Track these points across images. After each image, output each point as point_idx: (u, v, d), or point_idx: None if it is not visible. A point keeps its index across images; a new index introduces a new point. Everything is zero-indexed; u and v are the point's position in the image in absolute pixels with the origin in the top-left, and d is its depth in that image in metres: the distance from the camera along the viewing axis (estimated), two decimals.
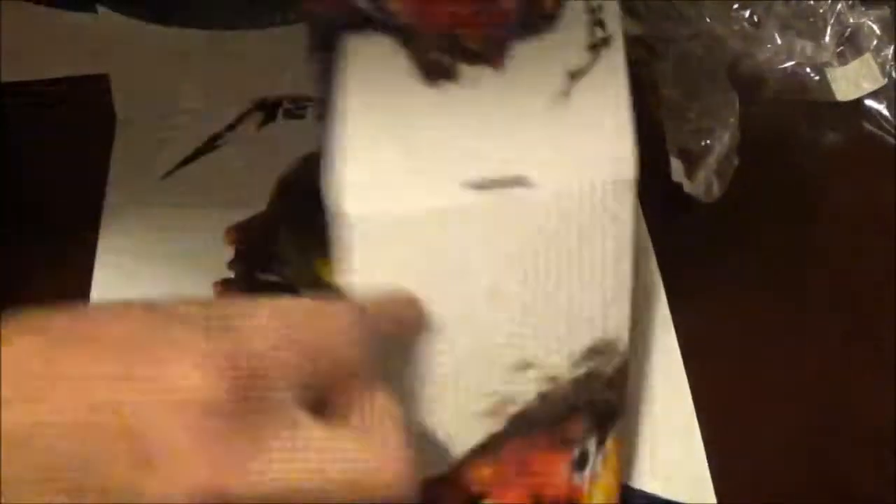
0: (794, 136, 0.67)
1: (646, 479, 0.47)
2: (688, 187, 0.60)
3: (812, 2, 0.68)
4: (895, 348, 0.54)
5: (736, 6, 0.67)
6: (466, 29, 0.38)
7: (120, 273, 0.52)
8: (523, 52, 0.38)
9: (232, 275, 0.53)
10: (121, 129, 0.58)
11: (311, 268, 0.54)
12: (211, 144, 0.59)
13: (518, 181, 0.39)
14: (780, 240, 0.59)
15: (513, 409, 0.40)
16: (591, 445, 0.42)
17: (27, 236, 0.51)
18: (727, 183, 0.60)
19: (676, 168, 0.60)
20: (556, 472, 0.41)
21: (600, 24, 0.40)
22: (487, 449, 0.40)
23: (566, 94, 0.40)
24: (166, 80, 0.62)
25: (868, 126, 0.68)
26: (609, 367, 0.42)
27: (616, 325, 0.42)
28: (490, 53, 0.38)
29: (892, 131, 0.67)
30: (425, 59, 0.37)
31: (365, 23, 0.36)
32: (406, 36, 0.37)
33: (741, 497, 0.48)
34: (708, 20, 0.66)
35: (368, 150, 0.38)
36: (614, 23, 0.40)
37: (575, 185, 0.40)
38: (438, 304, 0.38)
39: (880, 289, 0.58)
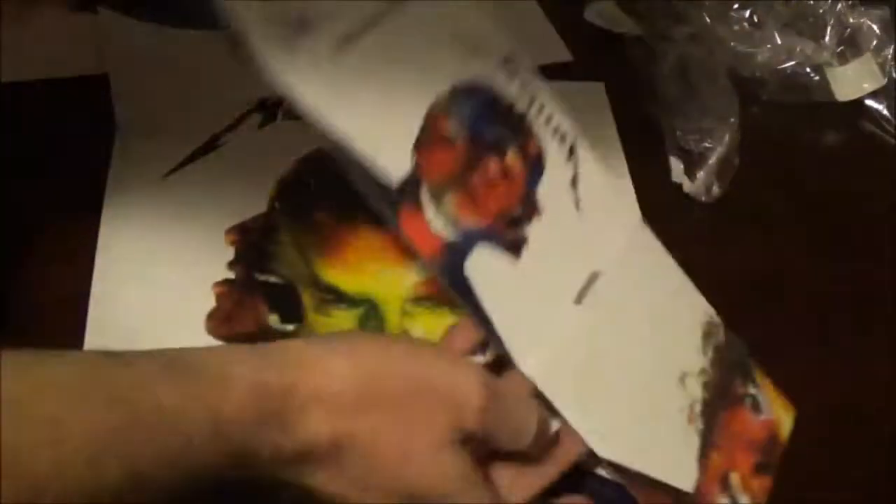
0: (794, 136, 0.67)
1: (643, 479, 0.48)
2: (688, 187, 0.60)
3: (812, 2, 0.68)
4: None
5: (736, 6, 0.67)
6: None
7: (120, 273, 0.52)
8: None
9: (232, 275, 0.53)
10: (121, 130, 0.58)
11: (311, 268, 0.54)
12: (211, 144, 0.59)
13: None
14: (780, 240, 0.59)
15: (698, 409, 0.49)
16: (752, 388, 0.51)
17: (27, 235, 0.51)
18: (727, 183, 0.60)
19: (676, 168, 0.60)
20: (748, 422, 0.50)
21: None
22: (704, 448, 0.48)
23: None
24: (166, 81, 0.62)
25: (868, 126, 0.68)
26: (718, 335, 0.52)
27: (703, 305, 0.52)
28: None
29: (892, 131, 0.67)
30: None
31: None
32: None
33: None
34: (708, 20, 0.66)
35: None
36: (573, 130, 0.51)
37: None
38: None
39: (880, 288, 0.58)
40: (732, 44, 0.66)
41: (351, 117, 0.41)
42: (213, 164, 0.58)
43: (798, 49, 0.67)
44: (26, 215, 0.53)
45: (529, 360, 0.45)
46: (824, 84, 0.67)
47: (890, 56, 0.68)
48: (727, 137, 0.60)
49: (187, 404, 0.33)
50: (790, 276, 0.58)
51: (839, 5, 0.68)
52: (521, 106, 0.48)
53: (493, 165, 0.46)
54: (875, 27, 0.68)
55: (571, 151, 0.50)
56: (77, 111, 0.59)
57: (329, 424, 0.36)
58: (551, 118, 0.49)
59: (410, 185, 0.43)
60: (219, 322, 0.51)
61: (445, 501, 0.39)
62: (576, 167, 0.49)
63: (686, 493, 0.47)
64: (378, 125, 0.42)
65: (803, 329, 0.55)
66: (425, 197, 0.44)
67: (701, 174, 0.59)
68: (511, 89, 0.48)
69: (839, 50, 0.68)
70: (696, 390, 0.49)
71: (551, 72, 0.66)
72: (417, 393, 0.39)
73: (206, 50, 0.63)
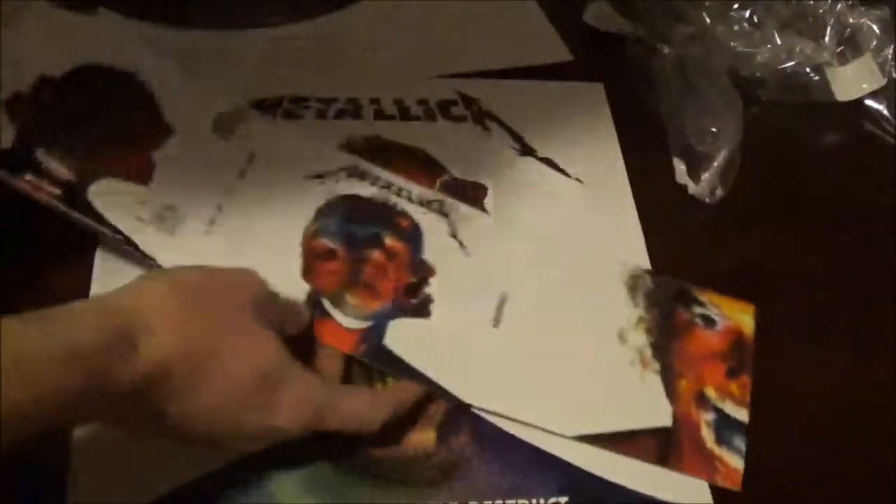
0: (794, 136, 0.67)
1: (642, 481, 0.48)
2: (692, 189, 0.60)
3: (812, 2, 0.68)
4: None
5: (736, 6, 0.67)
6: None
7: (120, 273, 0.52)
8: None
9: None
10: None
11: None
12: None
13: None
14: (780, 240, 0.59)
15: (648, 353, 0.52)
16: (698, 309, 0.55)
17: (27, 236, 0.51)
18: (730, 184, 0.60)
19: (680, 169, 0.60)
20: (705, 339, 0.54)
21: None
22: (669, 382, 0.51)
23: None
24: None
25: (868, 126, 0.68)
26: (644, 282, 0.56)
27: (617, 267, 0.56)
28: None
29: (892, 131, 0.67)
30: None
31: None
32: None
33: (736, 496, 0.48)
34: (708, 20, 0.66)
35: None
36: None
37: None
38: None
39: (881, 288, 0.58)
40: (732, 44, 0.66)
41: None
42: None
43: (798, 49, 0.67)
44: (26, 215, 0.53)
45: (472, 391, 0.49)
46: (824, 84, 0.67)
47: (890, 56, 0.68)
48: (732, 140, 0.60)
49: (48, 342, 0.36)
50: (790, 275, 0.57)
51: (839, 5, 0.68)
52: (380, 197, 0.55)
53: (376, 255, 0.53)
54: (875, 27, 0.68)
55: (440, 211, 0.56)
56: None
57: (172, 343, 0.39)
58: (411, 193, 0.56)
59: (314, 303, 0.50)
60: None
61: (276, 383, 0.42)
62: (449, 220, 0.55)
63: (667, 429, 0.49)
64: (267, 274, 0.46)
65: (804, 328, 0.55)
66: (328, 305, 0.50)
67: (706, 175, 0.59)
68: (366, 189, 0.55)
69: (839, 50, 0.68)
70: (639, 339, 0.53)
71: (551, 72, 0.66)
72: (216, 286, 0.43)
73: (206, 50, 0.63)
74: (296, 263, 0.51)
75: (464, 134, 0.62)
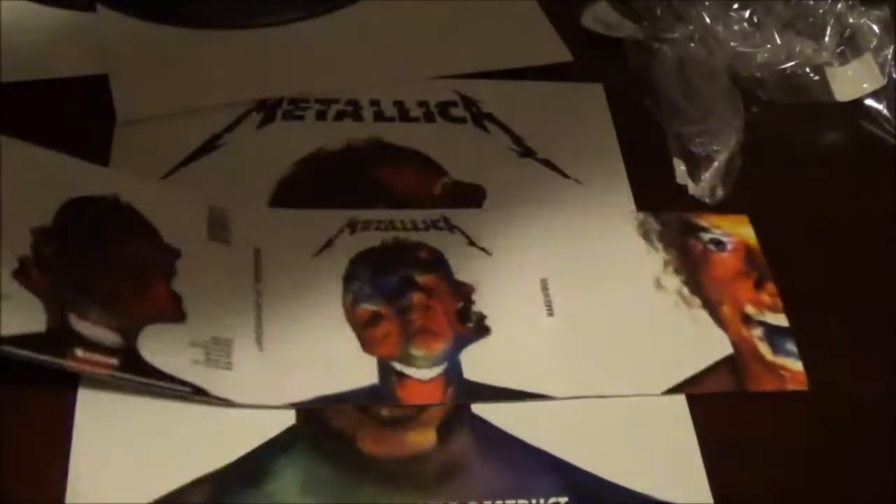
0: (794, 136, 0.67)
1: (641, 480, 0.48)
2: (693, 190, 0.60)
3: (812, 2, 0.68)
4: (892, 347, 0.55)
5: (736, 6, 0.67)
6: None
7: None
8: None
9: None
10: (121, 129, 0.58)
11: None
12: (211, 144, 0.59)
13: None
14: (780, 240, 0.59)
15: (685, 292, 0.55)
16: (704, 235, 0.58)
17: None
18: (730, 184, 0.60)
19: (680, 170, 0.60)
20: (724, 261, 0.57)
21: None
22: (714, 314, 0.54)
23: None
24: (166, 80, 0.62)
25: (868, 126, 0.68)
26: (651, 226, 0.58)
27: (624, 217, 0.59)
28: None
29: (892, 131, 0.67)
30: None
31: None
32: None
33: (738, 496, 0.48)
34: (708, 20, 0.66)
35: None
36: None
37: None
38: None
39: (881, 288, 0.58)
40: (732, 44, 0.66)
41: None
42: (213, 165, 0.58)
43: (798, 49, 0.67)
44: None
45: (554, 385, 0.49)
46: (824, 84, 0.67)
47: (890, 56, 0.68)
48: (733, 140, 0.60)
49: None
50: (790, 275, 0.57)
51: (839, 5, 0.67)
52: (389, 239, 0.54)
53: (416, 297, 0.52)
54: (875, 27, 0.67)
55: (449, 227, 0.55)
56: (77, 111, 0.59)
57: None
58: (415, 221, 0.55)
59: (386, 373, 0.49)
60: None
61: None
62: (461, 232, 0.55)
63: (731, 357, 0.52)
64: (332, 380, 0.48)
65: (805, 328, 0.55)
66: (400, 367, 0.49)
67: (706, 176, 0.59)
68: (373, 238, 0.54)
69: (839, 50, 0.68)
70: (672, 281, 0.54)
71: (551, 72, 0.66)
72: None
73: (206, 50, 0.64)
74: (353, 342, 0.50)
75: (463, 135, 0.62)
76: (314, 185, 0.58)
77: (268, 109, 0.61)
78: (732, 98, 0.63)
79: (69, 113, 0.59)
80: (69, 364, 0.45)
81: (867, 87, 0.68)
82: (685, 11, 0.67)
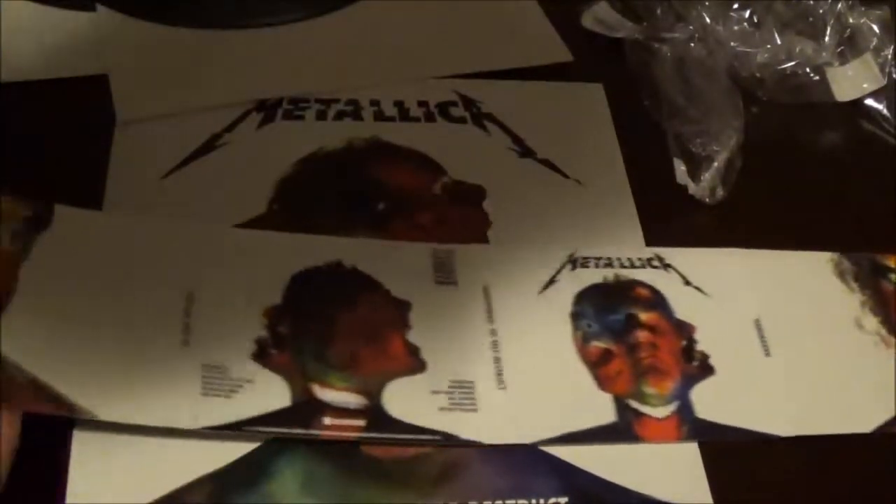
0: (794, 136, 0.67)
1: (641, 480, 0.47)
2: (693, 190, 0.60)
3: (812, 2, 0.68)
4: None
5: (736, 6, 0.67)
6: None
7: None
8: None
9: None
10: (121, 129, 0.58)
11: None
12: (211, 144, 0.59)
13: None
14: (780, 240, 0.59)
15: (884, 331, 0.55)
16: (892, 276, 0.58)
17: None
18: (730, 184, 0.60)
19: (680, 170, 0.60)
20: None
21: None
22: None
23: None
24: (166, 80, 0.62)
25: (868, 126, 0.68)
26: (844, 265, 0.58)
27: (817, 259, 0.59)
28: None
29: (892, 131, 0.67)
30: None
31: None
32: None
33: (738, 496, 0.48)
34: (708, 20, 0.66)
35: None
36: None
37: None
38: None
39: None
40: (732, 44, 0.66)
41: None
42: (213, 165, 0.58)
43: (798, 49, 0.67)
44: None
45: (778, 424, 0.50)
46: (824, 84, 0.67)
47: (890, 56, 0.68)
48: (733, 140, 0.60)
49: None
50: None
51: (839, 5, 0.67)
52: (610, 277, 0.55)
53: (642, 336, 0.52)
54: (875, 27, 0.67)
55: (663, 265, 0.56)
56: (77, 111, 0.59)
57: None
58: (632, 259, 0.56)
59: (622, 411, 0.49)
60: None
61: None
62: (675, 270, 0.56)
63: None
64: (573, 418, 0.48)
65: None
66: (636, 405, 0.50)
67: (706, 176, 0.59)
68: (594, 274, 0.55)
69: (839, 50, 0.68)
70: (870, 321, 0.55)
71: (551, 72, 0.66)
72: None
73: (206, 50, 0.63)
74: (587, 379, 0.50)
75: (463, 135, 0.62)
76: (314, 184, 0.58)
77: (268, 109, 0.61)
78: (732, 98, 0.63)
79: (69, 113, 0.59)
80: (318, 434, 0.46)
81: (867, 87, 0.68)
82: (685, 11, 0.67)
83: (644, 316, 0.53)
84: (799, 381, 0.52)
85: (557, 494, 0.46)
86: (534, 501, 0.46)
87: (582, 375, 0.50)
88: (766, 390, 0.52)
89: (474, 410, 0.48)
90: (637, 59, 0.66)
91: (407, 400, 0.48)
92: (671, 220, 0.59)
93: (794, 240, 0.59)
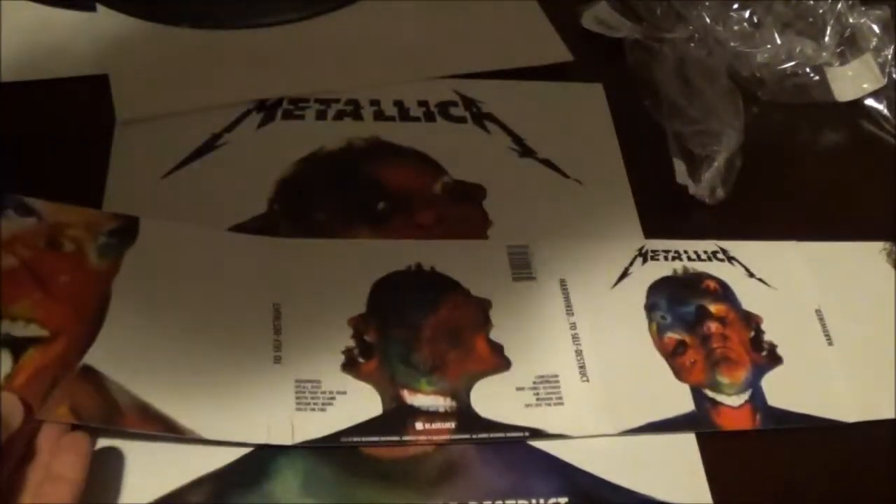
0: (794, 136, 0.67)
1: (641, 481, 0.48)
2: (693, 189, 0.59)
3: (812, 2, 0.68)
4: None
5: (736, 6, 0.67)
6: None
7: None
8: None
9: None
10: (121, 130, 0.58)
11: None
12: (211, 144, 0.59)
13: None
14: (781, 240, 0.59)
15: None
16: None
17: None
18: (730, 184, 0.60)
19: (680, 170, 0.60)
20: None
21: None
22: None
23: None
24: (166, 80, 0.62)
25: (868, 126, 0.68)
26: None
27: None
28: None
29: (892, 131, 0.67)
30: None
31: None
32: None
33: (738, 496, 0.48)
34: (708, 20, 0.66)
35: None
36: None
37: None
38: None
39: None
40: (732, 44, 0.66)
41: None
42: (213, 165, 0.58)
43: (798, 49, 0.67)
44: None
45: (842, 410, 0.52)
46: (824, 84, 0.67)
47: (890, 56, 0.68)
48: (733, 140, 0.60)
49: None
50: None
51: (839, 5, 0.67)
52: (679, 269, 0.56)
53: (713, 327, 0.54)
54: (875, 27, 0.68)
55: (727, 257, 0.57)
56: (77, 111, 0.59)
57: None
58: (698, 252, 0.57)
59: (700, 400, 0.51)
60: None
61: None
62: (739, 262, 0.57)
63: None
64: (655, 407, 0.50)
65: None
66: (712, 394, 0.51)
67: (706, 176, 0.59)
68: (664, 267, 0.56)
69: (839, 50, 0.68)
70: None
71: (551, 72, 0.66)
72: None
73: (205, 50, 0.63)
74: (665, 369, 0.52)
75: (463, 135, 0.62)
76: (314, 184, 0.58)
77: (268, 109, 0.61)
78: (732, 98, 0.63)
79: (69, 113, 0.59)
80: (411, 439, 0.47)
81: (867, 87, 0.68)
82: (685, 11, 0.67)
83: (714, 307, 0.55)
84: (862, 368, 0.53)
85: (557, 494, 0.46)
86: (534, 501, 0.46)
87: (660, 366, 0.52)
88: (830, 378, 0.53)
89: (560, 404, 0.49)
90: (637, 59, 0.66)
91: (494, 399, 0.49)
92: (671, 219, 0.59)
93: (793, 240, 0.59)
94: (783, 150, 0.66)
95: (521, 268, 0.54)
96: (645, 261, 0.56)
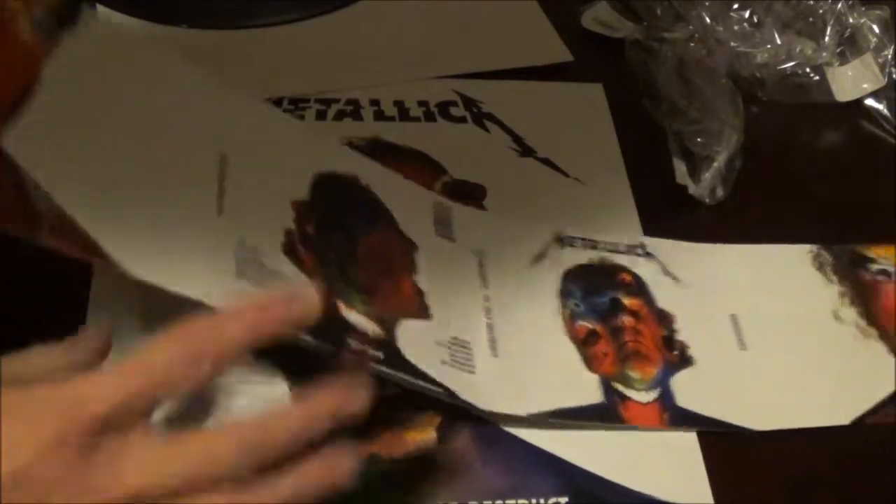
0: (794, 136, 0.67)
1: (641, 480, 0.47)
2: (693, 189, 0.60)
3: (812, 2, 0.68)
4: None
5: (736, 6, 0.67)
6: None
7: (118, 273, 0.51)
8: None
9: None
10: None
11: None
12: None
13: None
14: (780, 241, 0.59)
15: (862, 323, 0.55)
16: (873, 266, 0.58)
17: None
18: (730, 185, 0.60)
19: (680, 170, 0.60)
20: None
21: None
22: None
23: None
24: None
25: (868, 126, 0.68)
26: (823, 258, 0.58)
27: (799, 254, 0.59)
28: None
29: (892, 131, 0.67)
30: None
31: None
32: None
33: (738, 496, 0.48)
34: (708, 20, 0.66)
35: None
36: None
37: None
38: None
39: None
40: (732, 44, 0.66)
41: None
42: None
43: (798, 49, 0.67)
44: None
45: (754, 417, 0.50)
46: (824, 84, 0.67)
47: (890, 56, 0.68)
48: (733, 140, 0.60)
49: None
50: None
51: (839, 5, 0.68)
52: (596, 259, 0.55)
53: (626, 320, 0.53)
54: (875, 27, 0.68)
55: (646, 254, 0.56)
56: None
57: None
58: (616, 245, 0.56)
59: (609, 393, 0.49)
60: None
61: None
62: (656, 260, 0.56)
63: None
64: (563, 394, 0.48)
65: None
66: (621, 388, 0.50)
67: (706, 176, 0.59)
68: (582, 255, 0.55)
69: (839, 50, 0.68)
70: (849, 313, 0.55)
71: (551, 72, 0.66)
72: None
73: (205, 50, 0.63)
74: (575, 357, 0.51)
75: (463, 135, 0.62)
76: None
77: None
78: (732, 98, 0.63)
79: None
80: (345, 353, 0.43)
81: (867, 87, 0.68)
82: (685, 11, 0.67)
83: (628, 301, 0.53)
84: (775, 375, 0.52)
85: (557, 494, 0.46)
86: (534, 501, 0.46)
87: (570, 353, 0.51)
88: (742, 384, 0.51)
89: (472, 372, 0.48)
90: (637, 59, 0.66)
91: (415, 344, 0.47)
92: (671, 219, 0.59)
93: (794, 240, 0.59)
94: (783, 150, 0.66)
95: (443, 225, 0.53)
96: (562, 245, 0.55)
